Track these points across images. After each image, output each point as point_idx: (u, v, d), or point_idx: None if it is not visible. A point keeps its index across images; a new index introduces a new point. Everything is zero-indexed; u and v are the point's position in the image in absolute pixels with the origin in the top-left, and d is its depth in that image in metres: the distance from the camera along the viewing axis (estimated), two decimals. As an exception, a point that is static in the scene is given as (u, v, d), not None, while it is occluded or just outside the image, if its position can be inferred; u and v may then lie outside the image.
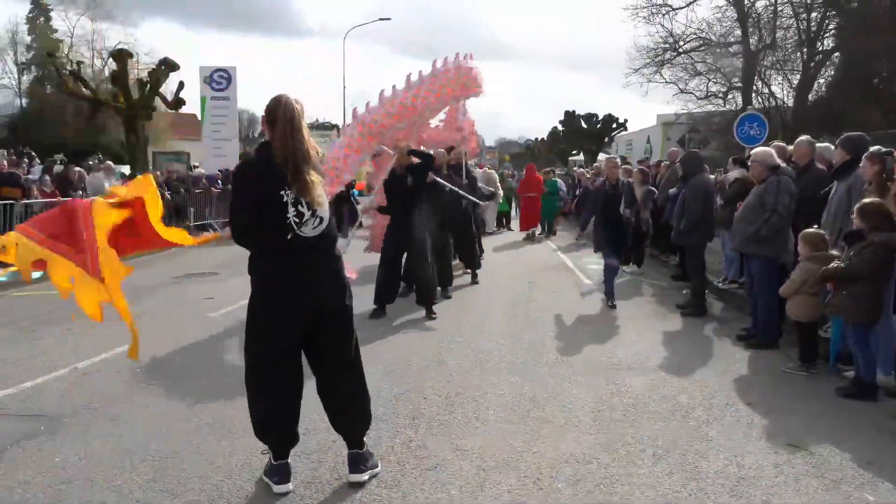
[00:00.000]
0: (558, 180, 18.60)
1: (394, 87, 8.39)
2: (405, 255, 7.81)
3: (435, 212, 8.36)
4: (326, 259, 3.43)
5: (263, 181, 3.26)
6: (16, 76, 48.60)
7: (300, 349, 3.51)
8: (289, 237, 3.29)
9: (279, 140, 3.27)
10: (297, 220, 3.29)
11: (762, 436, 4.21)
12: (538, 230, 16.77)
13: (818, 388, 5.13)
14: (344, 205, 14.61)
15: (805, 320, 5.60)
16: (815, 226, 6.01)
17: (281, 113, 3.28)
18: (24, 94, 48.10)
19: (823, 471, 3.71)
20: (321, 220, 3.37)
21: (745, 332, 6.73)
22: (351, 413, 3.60)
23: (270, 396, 3.44)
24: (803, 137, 7.11)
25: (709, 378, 5.39)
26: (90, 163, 19.00)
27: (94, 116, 26.85)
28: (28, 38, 48.03)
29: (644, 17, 27.87)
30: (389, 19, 35.10)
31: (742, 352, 6.20)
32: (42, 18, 49.96)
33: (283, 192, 3.26)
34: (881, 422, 4.46)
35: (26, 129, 40.25)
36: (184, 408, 4.69)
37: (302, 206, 3.30)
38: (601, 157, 39.75)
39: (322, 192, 3.36)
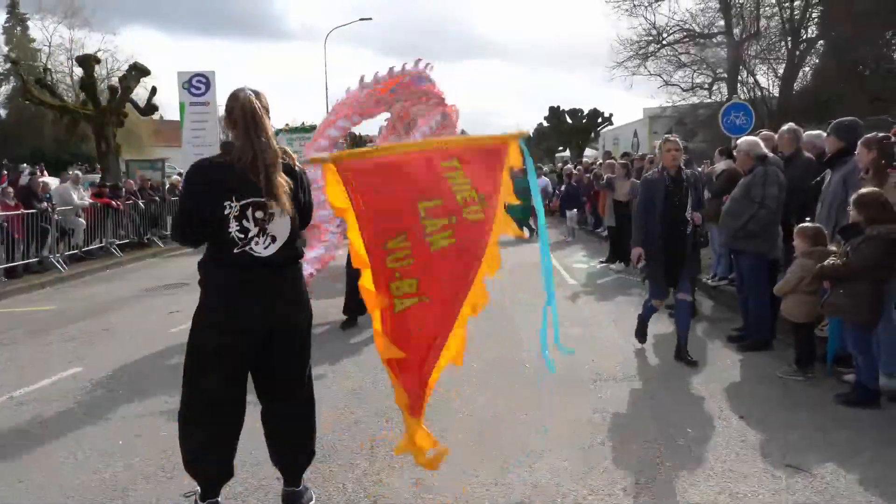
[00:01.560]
0: (543, 179, 17.97)
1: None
2: None
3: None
4: (282, 275, 3.01)
5: (211, 188, 2.87)
6: (-7, 87, 47.90)
7: (246, 374, 3.08)
8: (235, 251, 2.89)
9: (243, 140, 2.87)
10: (240, 235, 2.89)
11: (758, 455, 3.79)
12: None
13: (817, 396, 4.73)
14: None
15: (801, 321, 5.20)
16: (808, 219, 5.62)
17: (239, 110, 2.89)
18: (3, 104, 47.39)
19: (828, 497, 3.30)
20: (273, 239, 2.94)
21: (736, 332, 6.35)
22: (296, 450, 3.19)
23: (208, 427, 3.01)
24: (786, 125, 6.75)
25: (699, 387, 4.98)
26: (69, 173, 18.49)
27: (75, 126, 26.27)
28: (6, 49, 47.26)
29: (626, 10, 27.58)
30: (370, 19, 34.58)
31: (734, 355, 5.80)
32: (18, 28, 49.23)
33: (227, 203, 2.86)
34: (885, 432, 4.06)
35: (5, 140, 39.62)
36: (122, 444, 4.23)
37: (248, 220, 2.88)
38: (588, 152, 39.45)
39: (287, 201, 2.93)
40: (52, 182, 14.71)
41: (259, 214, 2.89)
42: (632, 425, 4.27)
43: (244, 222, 2.88)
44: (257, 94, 2.94)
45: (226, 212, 2.86)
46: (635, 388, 4.98)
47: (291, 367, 3.11)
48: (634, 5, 27.24)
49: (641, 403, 4.66)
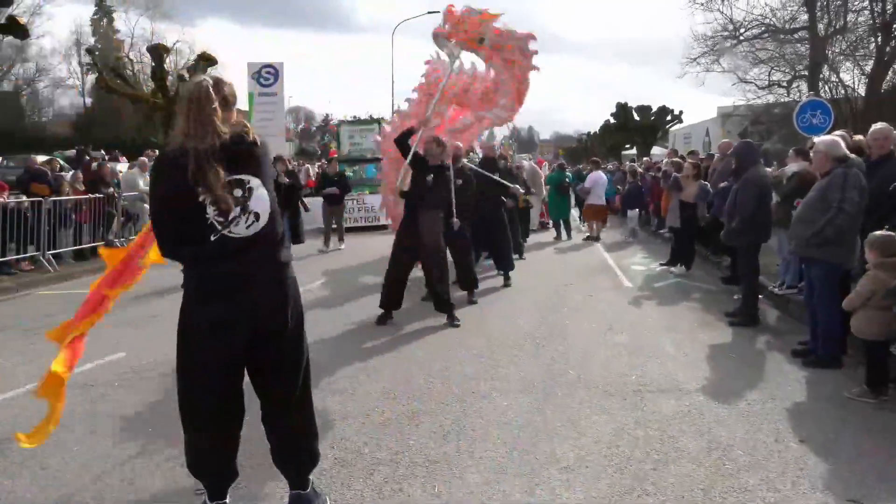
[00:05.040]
0: (597, 173, 16.68)
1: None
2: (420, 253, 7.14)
3: (457, 210, 7.72)
4: (268, 263, 2.84)
5: (182, 176, 2.67)
6: (80, 77, 50.35)
7: (241, 372, 2.94)
8: (213, 238, 2.72)
9: (180, 128, 2.72)
10: (219, 218, 2.72)
11: (816, 486, 3.43)
12: (555, 233, 15.35)
13: (889, 422, 4.29)
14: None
15: (873, 338, 4.75)
16: (887, 227, 5.13)
17: (185, 95, 2.75)
18: (89, 93, 49.73)
19: (894, 540, 2.94)
20: (256, 216, 2.77)
21: (802, 346, 5.88)
22: (294, 451, 3.04)
23: (205, 427, 2.89)
24: (879, 124, 6.13)
25: (755, 405, 4.60)
26: (142, 159, 19.03)
27: (153, 114, 27.08)
28: (92, 40, 49.45)
29: (702, 4, 26.57)
30: (438, 12, 34.24)
31: (797, 371, 5.36)
32: (105, 20, 51.47)
33: (201, 189, 2.69)
34: (968, 469, 3.62)
35: (90, 128, 41.53)
36: (150, 432, 4.20)
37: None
38: (655, 150, 38.32)
39: (259, 186, 2.77)
40: (122, 168, 15.17)
41: (238, 192, 2.73)
42: (675, 443, 3.95)
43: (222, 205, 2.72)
44: (217, 82, 2.77)
45: (200, 198, 2.69)
46: (683, 402, 4.64)
47: (283, 368, 2.94)
48: (710, -1, 26.23)
49: (688, 419, 4.32)
